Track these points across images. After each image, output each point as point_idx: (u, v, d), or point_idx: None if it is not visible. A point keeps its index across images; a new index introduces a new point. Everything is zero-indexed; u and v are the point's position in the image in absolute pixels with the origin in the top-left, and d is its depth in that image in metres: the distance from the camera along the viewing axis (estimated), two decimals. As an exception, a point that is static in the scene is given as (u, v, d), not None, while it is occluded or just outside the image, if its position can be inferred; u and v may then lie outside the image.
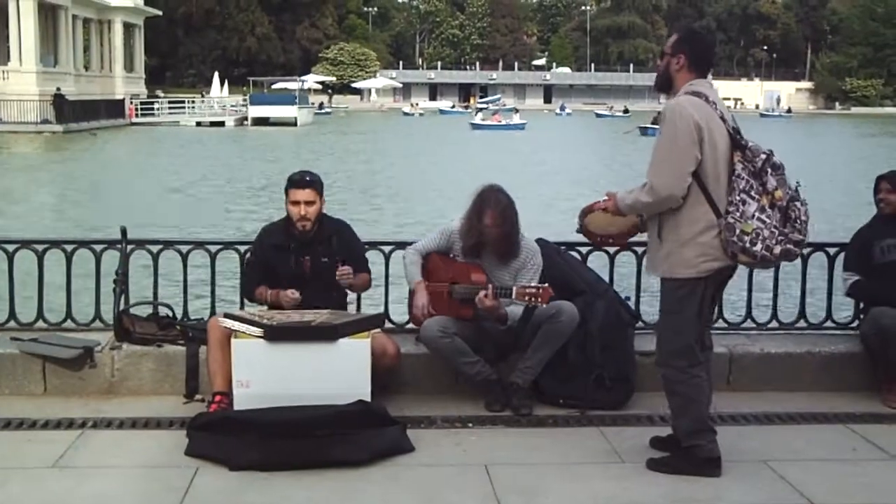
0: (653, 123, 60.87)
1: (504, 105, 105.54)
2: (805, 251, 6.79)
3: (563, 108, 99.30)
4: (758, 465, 5.13)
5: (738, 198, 4.66)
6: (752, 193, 4.64)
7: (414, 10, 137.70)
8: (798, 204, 4.65)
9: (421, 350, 6.07)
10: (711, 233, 4.74)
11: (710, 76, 5.03)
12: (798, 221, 4.64)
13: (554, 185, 28.89)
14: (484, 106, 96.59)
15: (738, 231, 4.65)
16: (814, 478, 5.01)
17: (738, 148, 4.71)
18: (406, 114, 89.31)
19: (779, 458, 5.25)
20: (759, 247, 4.64)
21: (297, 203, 5.98)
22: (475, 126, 64.84)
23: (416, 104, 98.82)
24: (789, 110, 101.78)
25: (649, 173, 4.83)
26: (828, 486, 4.94)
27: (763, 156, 4.67)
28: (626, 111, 72.14)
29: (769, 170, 4.65)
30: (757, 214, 4.63)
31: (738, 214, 4.65)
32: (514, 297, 5.74)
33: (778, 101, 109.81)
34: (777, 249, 4.65)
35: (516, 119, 67.53)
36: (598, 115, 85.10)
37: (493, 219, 5.88)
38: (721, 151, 4.72)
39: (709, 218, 4.74)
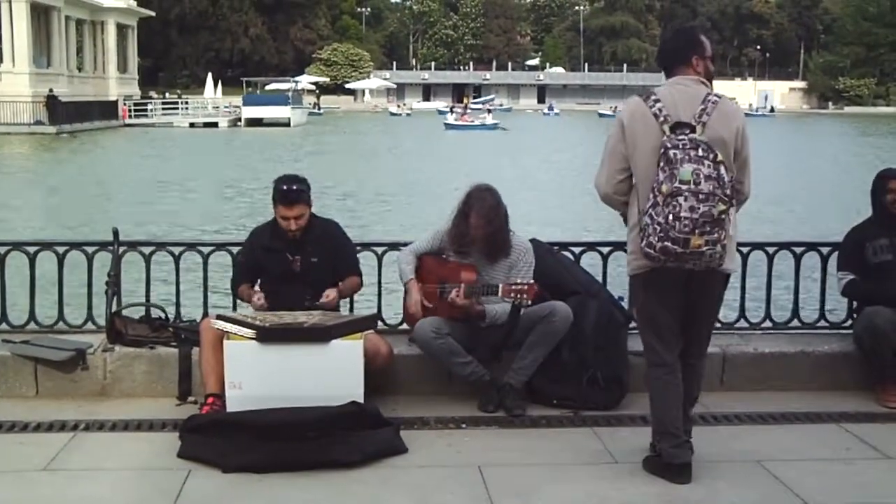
0: None
1: (501, 105, 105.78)
2: (797, 250, 6.82)
3: (550, 109, 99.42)
4: (752, 465, 5.13)
5: (647, 195, 4.62)
6: (655, 190, 4.57)
7: (407, 11, 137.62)
8: (680, 199, 4.47)
9: (414, 351, 6.06)
10: (635, 231, 4.77)
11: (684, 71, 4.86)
12: (671, 217, 4.48)
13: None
14: (478, 106, 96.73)
15: (639, 228, 4.67)
16: (808, 477, 5.00)
17: None
18: (393, 114, 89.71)
19: (773, 457, 5.24)
20: (643, 243, 4.61)
21: (286, 218, 5.98)
22: (448, 126, 64.89)
23: (403, 104, 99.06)
24: (772, 109, 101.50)
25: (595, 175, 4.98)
26: (822, 485, 4.93)
27: (662, 150, 4.58)
28: None
29: (662, 163, 4.56)
30: (649, 210, 4.58)
31: (643, 211, 4.64)
32: (500, 294, 5.75)
33: (766, 99, 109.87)
34: (658, 246, 4.54)
35: (489, 119, 67.62)
36: (602, 115, 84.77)
37: (477, 219, 5.88)
38: (647, 148, 4.67)
39: (635, 216, 4.77)
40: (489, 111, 76.65)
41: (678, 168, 4.50)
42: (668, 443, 4.95)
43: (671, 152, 4.54)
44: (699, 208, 4.47)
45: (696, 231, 4.49)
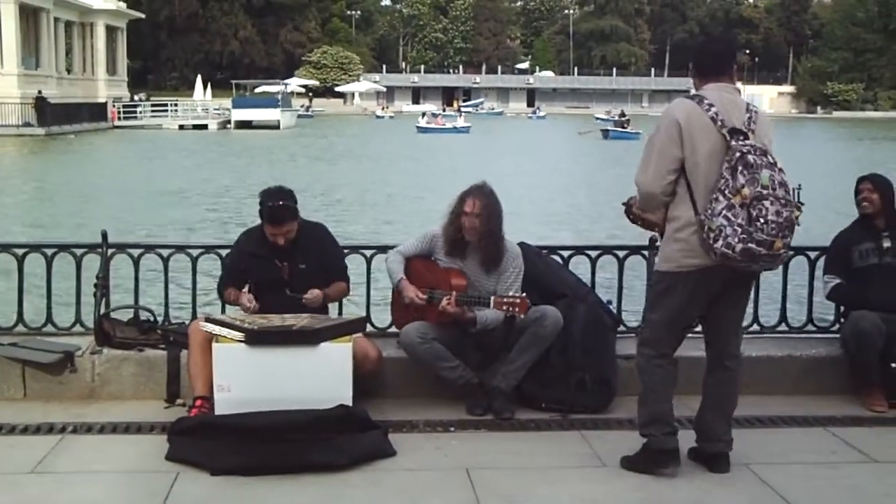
0: (616, 126, 60.68)
1: (493, 108, 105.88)
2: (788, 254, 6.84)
3: (534, 112, 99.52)
4: (739, 469, 5.14)
5: (713, 196, 4.68)
6: (726, 192, 4.64)
7: (397, 14, 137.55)
8: (766, 203, 4.58)
9: (403, 354, 6.05)
10: (690, 230, 4.79)
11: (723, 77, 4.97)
12: (760, 220, 4.58)
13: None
14: (469, 109, 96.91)
15: (706, 228, 4.69)
16: (795, 481, 5.03)
17: (728, 147, 4.73)
18: (378, 116, 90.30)
19: (760, 461, 5.26)
20: (719, 244, 4.64)
21: (274, 235, 5.96)
22: (420, 129, 64.86)
23: (387, 108, 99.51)
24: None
25: (636, 172, 4.96)
26: (808, 489, 4.96)
27: (738, 154, 4.66)
28: (622, 115, 71.57)
29: (740, 167, 4.63)
30: (724, 212, 4.63)
31: (709, 212, 4.68)
32: (492, 306, 5.75)
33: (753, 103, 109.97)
34: (738, 248, 4.60)
35: (461, 122, 67.69)
36: (598, 119, 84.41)
37: (472, 206, 5.88)
38: (705, 151, 4.74)
39: (688, 215, 4.79)
40: (461, 114, 76.86)
41: (758, 173, 4.61)
42: (659, 430, 4.99)
43: (749, 157, 4.64)
44: (783, 213, 4.62)
45: (780, 234, 4.62)
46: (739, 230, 4.60)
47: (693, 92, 4.99)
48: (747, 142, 4.71)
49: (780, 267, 6.72)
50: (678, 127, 4.79)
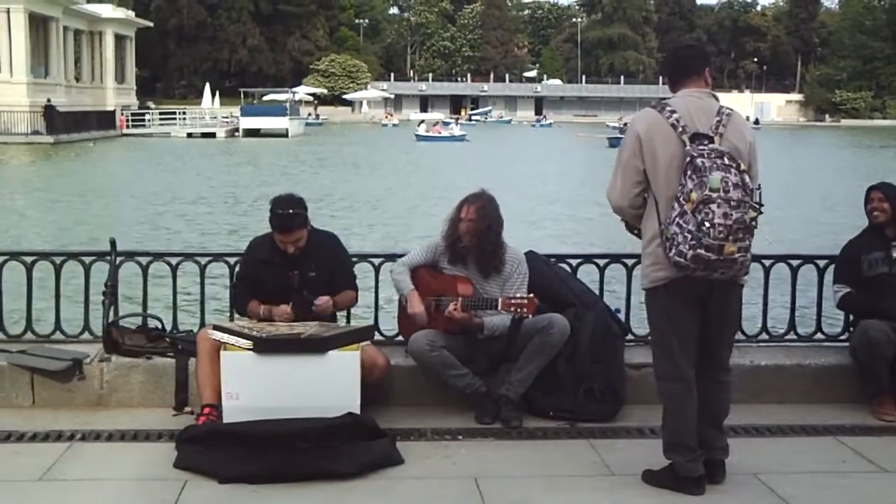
0: (621, 134, 60.83)
1: (501, 116, 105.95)
2: (794, 263, 6.82)
3: (538, 121, 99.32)
4: (748, 478, 5.12)
5: (672, 204, 4.60)
6: (681, 199, 4.55)
7: (405, 22, 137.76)
8: (713, 207, 4.45)
9: (410, 362, 6.05)
10: (655, 242, 4.74)
11: (695, 83, 4.88)
12: (706, 225, 4.45)
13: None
14: (478, 118, 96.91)
15: (664, 238, 4.63)
16: (804, 490, 5.00)
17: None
18: (384, 125, 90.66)
19: (769, 470, 5.24)
20: (673, 252, 4.57)
21: (283, 243, 5.97)
22: (419, 138, 64.90)
23: (391, 115, 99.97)
24: (757, 122, 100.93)
25: (607, 187, 4.93)
26: (818, 498, 4.94)
27: (688, 158, 4.57)
28: None
29: (689, 171, 4.54)
30: (677, 219, 4.55)
31: (668, 221, 4.61)
32: (499, 307, 5.76)
33: (760, 111, 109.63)
34: (689, 255, 4.50)
35: (456, 131, 67.89)
36: (610, 126, 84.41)
37: (467, 212, 5.92)
38: (665, 160, 4.67)
39: (654, 228, 4.74)
40: (458, 123, 77.16)
41: (707, 176, 4.49)
42: (683, 456, 4.91)
43: (698, 161, 4.54)
44: (732, 215, 4.47)
45: (730, 238, 4.48)
46: (689, 237, 4.50)
47: (666, 99, 4.91)
48: (709, 145, 4.60)
49: (790, 275, 6.78)
50: (638, 139, 4.75)
